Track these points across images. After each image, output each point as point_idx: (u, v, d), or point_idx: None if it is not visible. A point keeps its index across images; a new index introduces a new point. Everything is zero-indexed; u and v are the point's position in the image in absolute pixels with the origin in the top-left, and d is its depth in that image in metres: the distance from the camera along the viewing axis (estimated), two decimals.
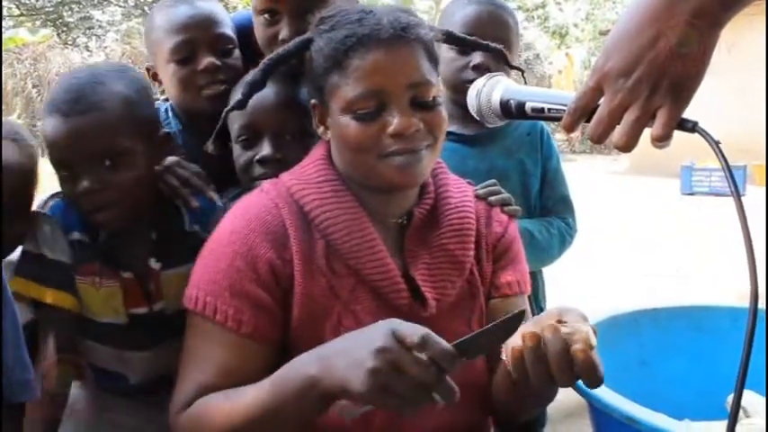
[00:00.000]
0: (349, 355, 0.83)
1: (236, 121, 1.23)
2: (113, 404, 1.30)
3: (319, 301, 1.02)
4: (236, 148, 1.25)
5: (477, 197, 1.19)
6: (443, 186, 1.14)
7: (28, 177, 1.14)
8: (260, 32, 1.28)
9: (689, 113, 0.76)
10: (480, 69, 1.47)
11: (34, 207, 1.18)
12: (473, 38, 1.32)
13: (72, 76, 1.18)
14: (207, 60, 1.30)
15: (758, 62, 7.71)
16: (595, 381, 0.85)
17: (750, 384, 1.30)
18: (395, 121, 0.98)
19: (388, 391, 0.80)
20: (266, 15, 1.25)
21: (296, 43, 1.09)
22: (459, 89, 1.47)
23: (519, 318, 0.84)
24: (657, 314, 1.56)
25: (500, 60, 1.42)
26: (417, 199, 1.11)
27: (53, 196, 1.21)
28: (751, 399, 1.30)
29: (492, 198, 1.21)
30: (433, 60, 1.06)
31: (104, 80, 1.14)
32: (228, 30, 1.36)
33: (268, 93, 1.20)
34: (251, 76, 1.15)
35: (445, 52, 1.52)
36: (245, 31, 1.38)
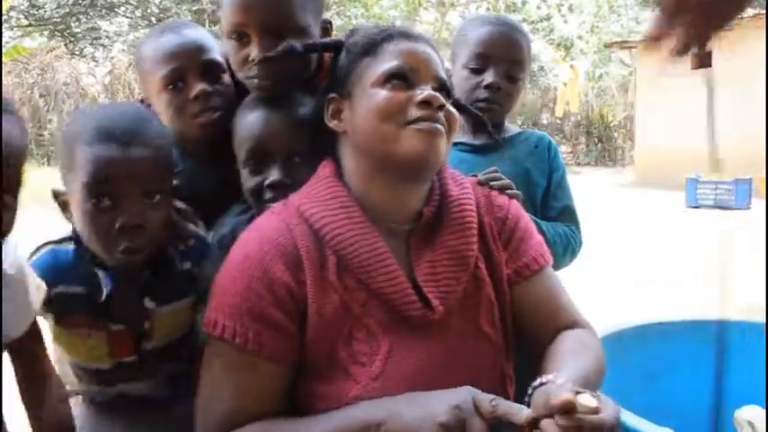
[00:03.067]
0: (421, 406, 0.88)
1: (243, 147, 1.23)
2: (100, 423, 1.29)
3: (331, 318, 1.02)
4: (244, 174, 1.24)
5: (479, 183, 1.23)
6: (444, 182, 1.16)
7: (25, 154, 0.99)
8: (232, 56, 1.27)
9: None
10: (492, 88, 1.55)
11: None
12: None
13: (112, 108, 1.16)
14: (198, 87, 1.28)
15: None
16: None
17: (757, 400, 1.30)
18: (423, 92, 1.05)
19: None
20: (236, 38, 1.24)
21: (332, 39, 1.18)
22: (471, 105, 1.50)
23: None
24: (664, 328, 1.56)
25: (512, 81, 1.55)
26: (425, 201, 1.13)
27: (44, 245, 1.17)
28: (760, 414, 1.30)
29: (493, 183, 1.25)
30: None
31: (149, 117, 1.15)
32: (217, 55, 1.34)
33: (273, 117, 1.22)
34: (289, 45, 1.17)
35: (460, 71, 1.59)
36: None
